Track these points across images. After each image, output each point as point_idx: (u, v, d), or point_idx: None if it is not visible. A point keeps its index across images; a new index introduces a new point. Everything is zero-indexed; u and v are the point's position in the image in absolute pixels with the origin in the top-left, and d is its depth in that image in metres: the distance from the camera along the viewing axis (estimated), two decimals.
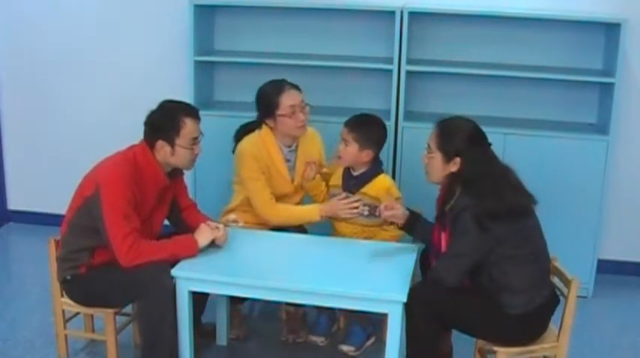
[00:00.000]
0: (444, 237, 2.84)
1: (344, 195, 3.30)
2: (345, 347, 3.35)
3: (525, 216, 2.76)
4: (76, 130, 4.65)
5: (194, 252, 2.96)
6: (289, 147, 3.44)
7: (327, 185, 3.47)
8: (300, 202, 3.53)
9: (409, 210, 3.11)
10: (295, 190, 3.49)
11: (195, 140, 3.02)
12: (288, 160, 3.45)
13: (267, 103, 3.36)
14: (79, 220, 2.95)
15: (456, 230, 2.74)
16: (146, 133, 3.03)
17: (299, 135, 3.42)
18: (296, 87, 3.40)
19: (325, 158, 3.59)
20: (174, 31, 4.34)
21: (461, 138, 2.81)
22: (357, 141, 3.28)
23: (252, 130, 3.45)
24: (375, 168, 3.36)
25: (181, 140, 2.97)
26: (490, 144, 2.87)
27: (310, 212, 3.38)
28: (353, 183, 3.34)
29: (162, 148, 2.98)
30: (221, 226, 3.08)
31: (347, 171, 3.39)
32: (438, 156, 2.84)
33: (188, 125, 2.97)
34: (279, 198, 3.45)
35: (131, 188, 2.89)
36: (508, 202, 2.70)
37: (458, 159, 2.80)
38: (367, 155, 3.31)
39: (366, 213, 3.19)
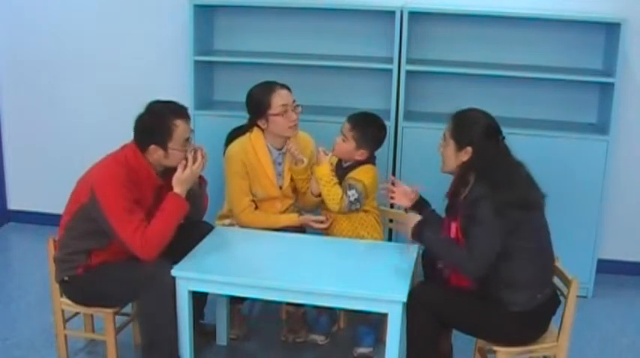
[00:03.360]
0: (454, 226, 2.83)
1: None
2: (362, 350, 3.34)
3: (536, 209, 2.76)
4: (76, 130, 4.65)
5: (186, 207, 2.97)
6: (279, 149, 3.45)
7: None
8: (288, 208, 3.53)
9: (420, 197, 3.13)
10: (283, 195, 3.49)
11: (187, 141, 2.99)
12: (279, 163, 3.46)
13: (258, 104, 3.37)
14: (75, 224, 2.95)
15: (475, 220, 2.71)
16: (137, 137, 3.00)
17: (291, 136, 3.42)
18: (286, 87, 3.41)
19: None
20: (174, 31, 4.34)
21: (475, 129, 2.84)
22: (355, 140, 3.30)
23: (243, 134, 3.46)
24: (365, 161, 3.37)
25: (174, 143, 2.95)
26: (504, 138, 2.88)
27: (288, 219, 3.42)
28: (341, 173, 3.36)
29: (156, 152, 2.96)
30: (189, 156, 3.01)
31: (339, 162, 3.41)
32: (450, 145, 2.87)
33: (180, 127, 2.94)
34: (266, 201, 3.46)
35: (128, 186, 2.89)
36: (522, 193, 2.72)
37: (469, 149, 2.81)
38: (361, 154, 3.34)
39: (353, 197, 3.23)
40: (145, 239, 2.85)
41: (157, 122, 2.95)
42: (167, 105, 3.00)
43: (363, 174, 3.31)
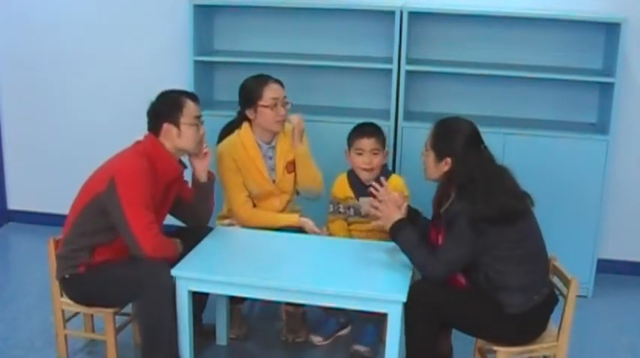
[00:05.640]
0: (440, 238, 2.85)
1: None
2: (359, 347, 3.34)
3: (520, 218, 2.75)
4: (76, 130, 4.65)
5: (176, 253, 3.01)
6: (268, 143, 3.46)
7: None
8: (287, 205, 3.54)
9: (410, 208, 3.12)
10: (280, 191, 3.49)
11: (198, 119, 3.07)
12: (270, 158, 3.46)
13: (249, 94, 3.39)
14: (82, 220, 2.95)
15: (451, 233, 2.75)
16: (150, 122, 3.06)
17: (277, 131, 3.43)
18: (279, 82, 3.43)
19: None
20: (174, 31, 4.34)
21: (454, 139, 2.82)
22: (382, 146, 3.37)
23: (233, 130, 3.47)
24: (385, 170, 3.42)
25: (186, 118, 3.02)
26: (485, 148, 2.87)
27: (288, 219, 3.42)
28: (369, 189, 3.28)
29: (169, 131, 3.01)
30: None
31: (357, 180, 3.39)
32: (431, 155, 2.87)
33: (190, 104, 3.05)
34: (263, 199, 3.46)
35: (148, 180, 2.92)
36: (502, 206, 2.70)
37: (449, 159, 2.81)
38: (386, 154, 3.43)
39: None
40: (159, 240, 2.89)
41: (167, 100, 3.06)
42: (176, 90, 3.14)
43: (402, 189, 3.32)
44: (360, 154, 3.35)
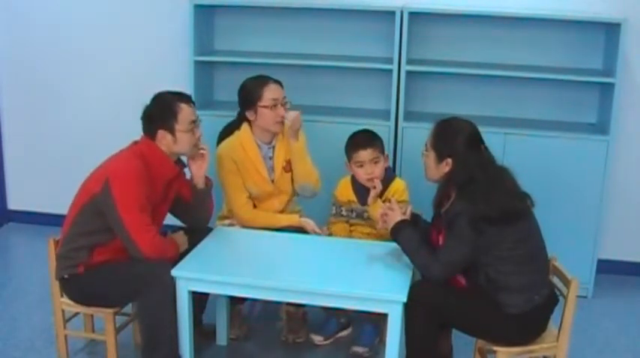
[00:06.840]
0: (441, 239, 2.85)
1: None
2: (358, 349, 3.34)
3: (521, 218, 2.75)
4: (76, 130, 4.66)
5: (177, 252, 3.02)
6: (268, 144, 3.46)
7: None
8: (287, 206, 3.54)
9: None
10: (278, 191, 3.49)
11: (193, 123, 3.04)
12: (269, 158, 3.46)
13: (249, 94, 3.39)
14: (81, 219, 2.95)
15: (452, 234, 2.75)
16: (145, 127, 3.04)
17: (276, 131, 3.43)
18: (279, 83, 3.43)
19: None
20: (174, 31, 4.34)
21: (455, 139, 2.82)
22: (381, 154, 3.34)
23: (232, 132, 3.48)
24: (388, 174, 3.40)
25: (181, 125, 3.00)
26: (486, 148, 2.87)
27: (288, 219, 3.43)
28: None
29: (164, 137, 2.99)
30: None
31: (360, 185, 3.37)
32: (431, 155, 2.87)
33: (184, 109, 3.01)
34: (263, 201, 3.47)
35: (144, 181, 2.91)
36: (502, 206, 2.70)
37: (449, 160, 2.81)
38: (387, 158, 3.39)
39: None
40: (155, 241, 2.88)
41: (162, 106, 3.02)
42: (170, 92, 3.08)
43: (398, 192, 3.32)
44: (360, 166, 3.32)
